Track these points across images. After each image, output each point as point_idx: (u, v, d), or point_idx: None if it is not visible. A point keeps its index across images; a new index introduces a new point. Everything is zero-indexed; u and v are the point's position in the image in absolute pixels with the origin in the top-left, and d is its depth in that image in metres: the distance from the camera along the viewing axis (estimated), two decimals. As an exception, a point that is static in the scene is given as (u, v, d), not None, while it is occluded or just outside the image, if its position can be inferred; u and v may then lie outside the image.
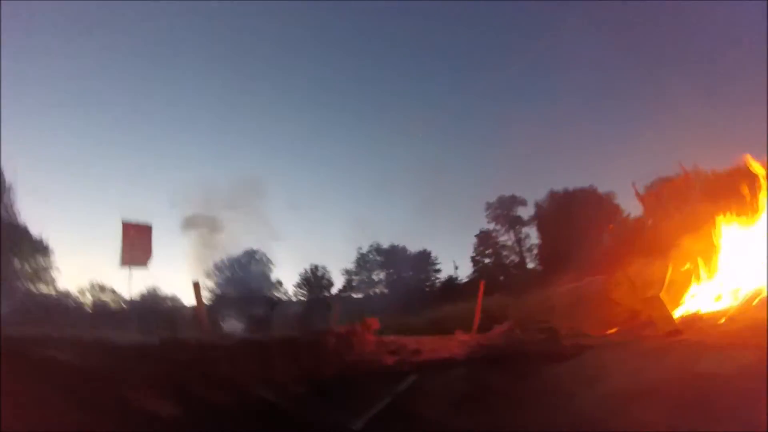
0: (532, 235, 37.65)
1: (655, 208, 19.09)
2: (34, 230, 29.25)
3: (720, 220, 8.93)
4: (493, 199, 37.16)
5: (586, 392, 4.31)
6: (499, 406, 5.27)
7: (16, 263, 29.22)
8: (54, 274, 29.03)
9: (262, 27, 43.33)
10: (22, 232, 29.09)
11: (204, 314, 13.15)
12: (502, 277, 32.57)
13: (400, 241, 35.56)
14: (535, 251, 38.20)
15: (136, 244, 11.68)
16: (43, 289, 27.27)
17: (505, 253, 38.60)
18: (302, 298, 31.99)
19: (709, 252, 8.70)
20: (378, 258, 34.90)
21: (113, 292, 26.89)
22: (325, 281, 33.62)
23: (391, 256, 34.90)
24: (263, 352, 5.02)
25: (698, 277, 8.53)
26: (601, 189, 33.39)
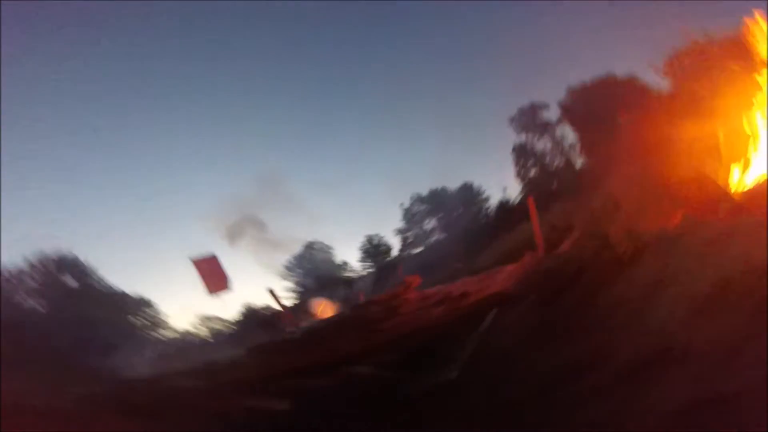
0: (568, 135, 35.19)
1: (680, 78, 17.13)
2: (130, 291, 33.03)
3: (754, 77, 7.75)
4: (513, 112, 34.89)
5: (656, 302, 3.88)
6: (562, 336, 5.01)
7: (134, 321, 33.43)
8: (164, 318, 33.00)
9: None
10: (122, 296, 32.89)
11: (288, 313, 14.24)
12: (554, 184, 31.08)
13: (438, 184, 35.02)
14: (578, 148, 35.79)
15: (212, 274, 12.89)
16: (167, 333, 31.12)
17: (548, 160, 36.56)
18: (371, 270, 33.08)
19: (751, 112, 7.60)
20: (423, 207, 34.74)
21: (218, 318, 29.93)
22: (383, 247, 34.34)
23: (435, 201, 34.61)
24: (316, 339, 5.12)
25: (753, 139, 7.47)
26: (619, 74, 29.96)
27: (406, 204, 35.06)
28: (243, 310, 27.52)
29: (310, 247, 35.26)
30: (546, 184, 32.48)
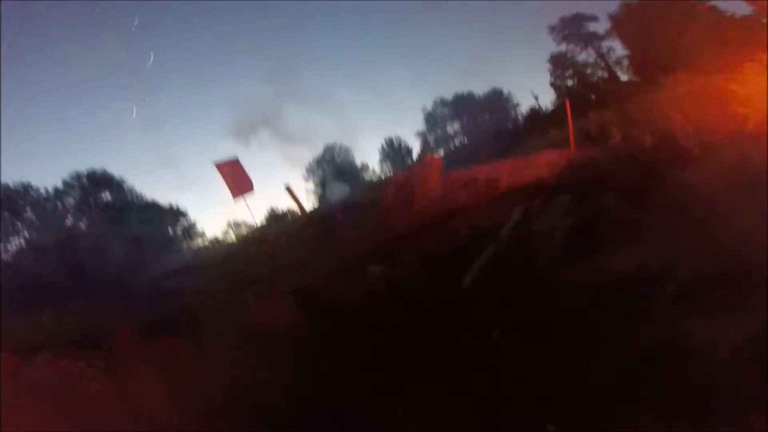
0: (617, 48, 31.75)
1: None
2: (162, 201, 34.35)
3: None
4: (554, 21, 31.15)
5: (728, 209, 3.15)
6: (609, 237, 4.39)
7: (170, 232, 35.05)
8: (197, 227, 34.61)
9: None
10: (156, 207, 33.88)
11: (304, 209, 14.81)
12: (593, 96, 28.76)
13: (464, 89, 32.75)
14: (626, 63, 32.71)
15: (235, 177, 12.94)
16: (199, 243, 32.81)
17: (589, 71, 33.64)
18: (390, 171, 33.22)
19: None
20: (446, 110, 32.96)
21: (246, 224, 30.92)
22: (404, 150, 33.64)
23: (459, 105, 32.67)
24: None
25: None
26: None
27: (429, 107, 33.27)
28: (271, 213, 28.19)
29: (330, 149, 34.78)
30: (584, 95, 29.99)
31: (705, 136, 4.95)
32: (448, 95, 32.46)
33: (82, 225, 31.64)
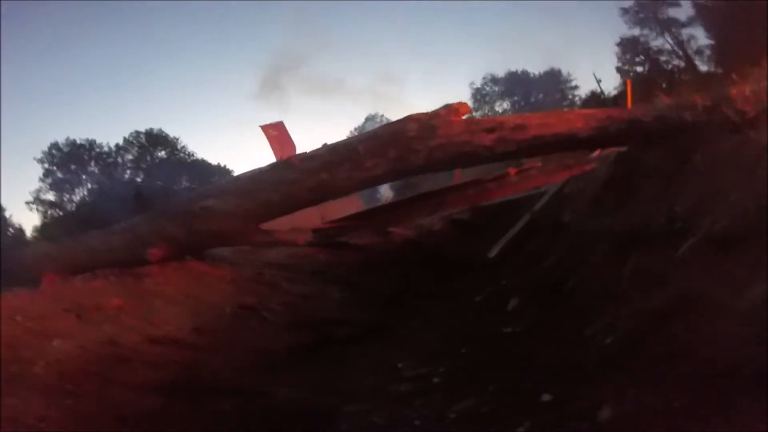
0: (699, 37, 28.63)
1: None
2: (213, 161, 36.24)
3: None
4: (628, 3, 28.49)
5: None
6: (649, 196, 4.10)
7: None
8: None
9: None
10: (204, 165, 35.89)
11: None
12: (664, 85, 26.28)
13: (518, 66, 31.16)
14: (708, 53, 29.55)
15: (280, 139, 13.42)
16: None
17: (663, 58, 30.78)
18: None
19: None
20: (496, 89, 31.62)
21: None
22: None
23: (511, 83, 31.20)
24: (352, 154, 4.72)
25: None
26: None
27: (477, 83, 32.01)
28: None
29: (371, 119, 34.74)
30: (653, 83, 27.48)
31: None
32: (500, 72, 31.09)
33: (139, 178, 34.33)
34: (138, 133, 36.01)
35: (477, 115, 32.10)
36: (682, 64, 29.45)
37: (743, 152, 3.14)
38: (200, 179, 34.95)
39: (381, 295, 6.16)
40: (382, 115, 34.28)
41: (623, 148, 5.11)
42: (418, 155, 4.47)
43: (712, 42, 27.47)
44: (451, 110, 4.43)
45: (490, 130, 4.37)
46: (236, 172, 36.27)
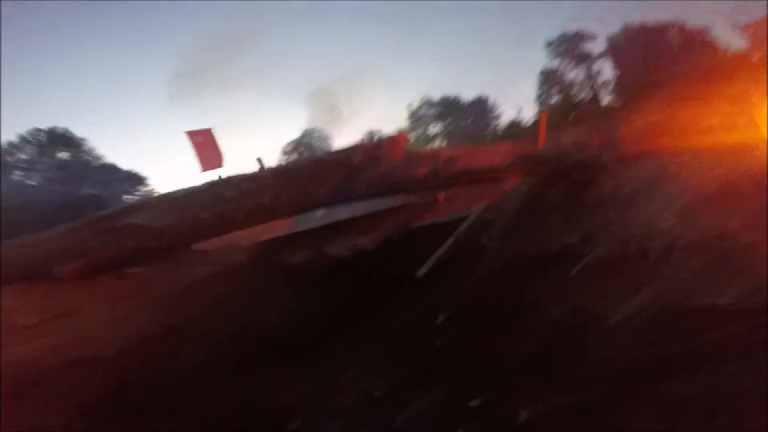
0: (607, 71, 33.10)
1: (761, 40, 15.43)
2: (123, 166, 33.07)
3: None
4: (553, 37, 32.16)
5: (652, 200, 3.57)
6: (553, 223, 4.83)
7: (123, 197, 33.74)
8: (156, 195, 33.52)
9: None
10: (114, 169, 32.55)
11: None
12: (573, 114, 30.02)
13: (451, 92, 33.34)
14: (612, 86, 34.14)
15: (207, 148, 12.56)
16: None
17: (574, 91, 34.90)
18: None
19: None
20: (431, 112, 33.53)
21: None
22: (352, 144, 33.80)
23: (445, 108, 33.29)
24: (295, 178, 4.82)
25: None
26: (692, 23, 26.73)
27: (415, 105, 33.69)
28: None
29: (309, 133, 34.60)
30: (565, 113, 31.25)
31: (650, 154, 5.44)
32: (436, 96, 33.07)
33: (31, 180, 30.21)
34: (38, 130, 31.71)
35: (412, 135, 33.48)
36: (589, 96, 33.79)
37: (622, 190, 3.93)
38: (105, 185, 31.77)
39: (315, 313, 6.24)
40: (321, 130, 34.03)
41: (532, 180, 5.90)
42: (362, 183, 4.73)
43: (617, 75, 31.83)
44: (393, 141, 4.79)
45: (426, 163, 4.82)
46: (150, 180, 33.65)
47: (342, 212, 9.37)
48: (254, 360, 4.10)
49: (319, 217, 9.81)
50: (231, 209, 4.70)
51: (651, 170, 3.93)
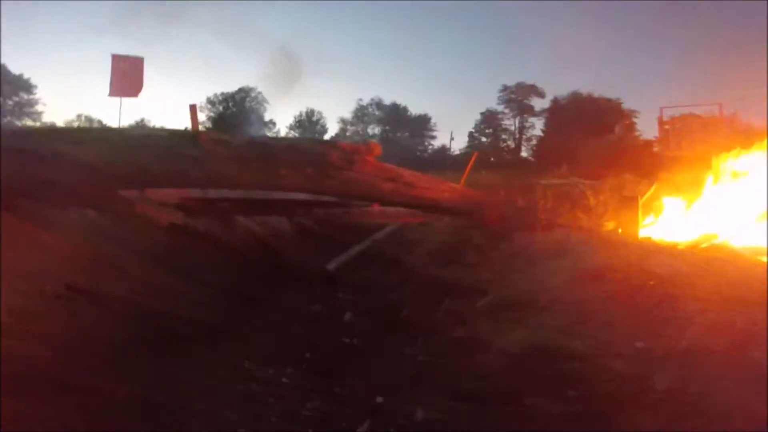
0: (537, 127, 37.30)
1: (668, 138, 19.12)
2: (14, 67, 28.51)
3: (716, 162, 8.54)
4: (512, 83, 35.42)
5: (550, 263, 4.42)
6: (475, 261, 5.55)
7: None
8: (39, 108, 28.95)
9: None
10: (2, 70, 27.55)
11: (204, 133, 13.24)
12: (492, 159, 32.97)
13: (402, 101, 34.58)
14: (534, 142, 38.48)
15: (127, 75, 11.34)
16: (29, 123, 27.72)
17: (504, 137, 38.62)
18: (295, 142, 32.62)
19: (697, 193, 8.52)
20: (377, 113, 34.24)
21: (101, 123, 26.75)
22: (318, 126, 33.52)
23: (390, 114, 34.26)
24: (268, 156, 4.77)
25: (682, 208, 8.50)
26: (628, 105, 31.98)
27: (365, 101, 33.93)
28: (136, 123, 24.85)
29: (246, 91, 32.77)
30: (487, 154, 34.17)
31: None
32: (387, 100, 33.67)
33: None
34: None
35: (350, 130, 33.66)
36: (513, 145, 37.29)
37: (529, 249, 4.81)
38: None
39: (223, 291, 6.12)
40: (260, 92, 32.29)
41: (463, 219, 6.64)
42: (332, 181, 4.85)
43: (544, 134, 35.51)
44: (368, 148, 5.01)
45: (391, 180, 5.18)
46: (39, 90, 28.78)
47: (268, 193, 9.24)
48: (157, 337, 3.88)
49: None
50: (189, 167, 4.40)
51: (551, 241, 4.89)
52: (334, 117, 36.06)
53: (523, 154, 37.72)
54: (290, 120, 33.92)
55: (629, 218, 7.33)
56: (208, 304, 5.29)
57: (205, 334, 4.36)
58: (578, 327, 3.31)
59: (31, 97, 29.94)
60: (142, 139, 4.42)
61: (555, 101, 35.62)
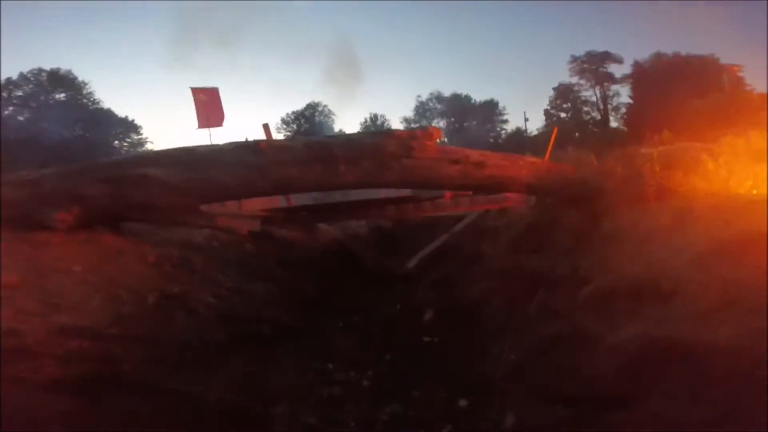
0: (624, 95, 33.30)
1: None
2: (120, 111, 32.94)
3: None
4: (581, 52, 32.25)
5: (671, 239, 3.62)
6: (562, 245, 4.88)
7: (114, 143, 33.36)
8: (149, 146, 33.50)
9: None
10: (109, 115, 32.41)
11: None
12: (577, 134, 30.19)
13: (464, 90, 33.36)
14: (623, 111, 34.53)
15: (209, 106, 12.54)
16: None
17: (586, 109, 35.15)
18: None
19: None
20: (438, 106, 33.48)
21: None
22: (384, 129, 33.89)
23: (452, 105, 33.28)
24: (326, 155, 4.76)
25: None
26: (725, 60, 27.19)
27: (423, 97, 33.44)
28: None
29: (313, 107, 34.15)
30: (570, 130, 31.37)
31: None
32: (446, 92, 32.85)
33: (21, 116, 29.66)
34: (41, 70, 30.98)
35: (414, 127, 33.47)
36: (599, 117, 33.83)
37: (640, 226, 4.01)
38: (97, 129, 31.31)
39: (305, 295, 6.25)
40: (325, 106, 33.89)
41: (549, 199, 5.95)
42: (392, 172, 4.68)
43: (631, 102, 31.79)
44: (427, 134, 4.75)
45: (456, 162, 4.82)
46: (144, 129, 33.14)
47: (341, 195, 9.37)
48: (242, 340, 4.00)
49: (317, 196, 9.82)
50: (255, 176, 4.57)
51: (668, 213, 4.02)
52: (397, 118, 35.97)
53: (613, 124, 33.93)
54: (357, 128, 34.72)
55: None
56: (291, 307, 5.43)
57: (288, 336, 4.45)
58: (717, 314, 2.63)
59: (140, 137, 34.20)
60: (211, 154, 4.63)
61: (637, 65, 31.51)
